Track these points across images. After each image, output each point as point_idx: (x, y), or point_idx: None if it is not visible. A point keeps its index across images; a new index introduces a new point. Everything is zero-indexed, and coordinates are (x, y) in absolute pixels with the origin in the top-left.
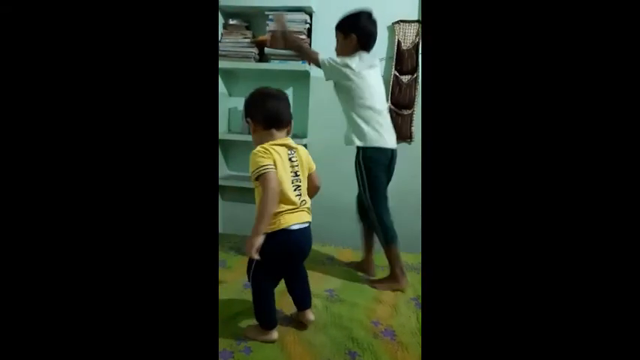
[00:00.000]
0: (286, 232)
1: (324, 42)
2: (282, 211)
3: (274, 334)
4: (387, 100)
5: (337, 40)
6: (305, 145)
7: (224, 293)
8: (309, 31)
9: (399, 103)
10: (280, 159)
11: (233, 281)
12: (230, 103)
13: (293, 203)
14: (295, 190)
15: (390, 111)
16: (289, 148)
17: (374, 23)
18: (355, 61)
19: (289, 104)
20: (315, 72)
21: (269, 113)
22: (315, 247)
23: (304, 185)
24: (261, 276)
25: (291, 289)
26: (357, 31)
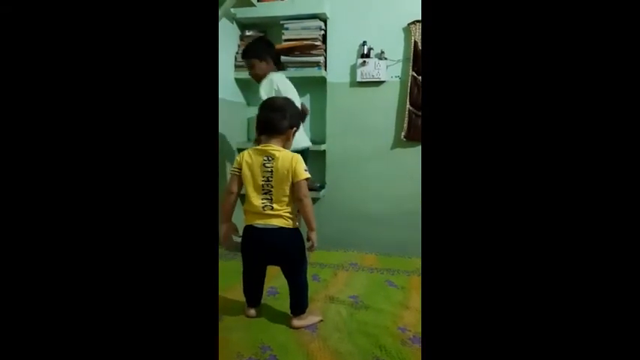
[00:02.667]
0: (249, 229)
1: (339, 47)
2: (246, 210)
3: (249, 311)
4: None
5: (253, 65)
6: (323, 152)
7: None
8: (324, 37)
9: (417, 103)
10: (250, 164)
11: None
12: (249, 112)
13: (254, 207)
14: (265, 194)
15: (409, 112)
16: (266, 154)
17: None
18: (266, 88)
19: (289, 115)
20: (332, 78)
21: (260, 121)
22: (338, 253)
23: (278, 192)
24: (243, 265)
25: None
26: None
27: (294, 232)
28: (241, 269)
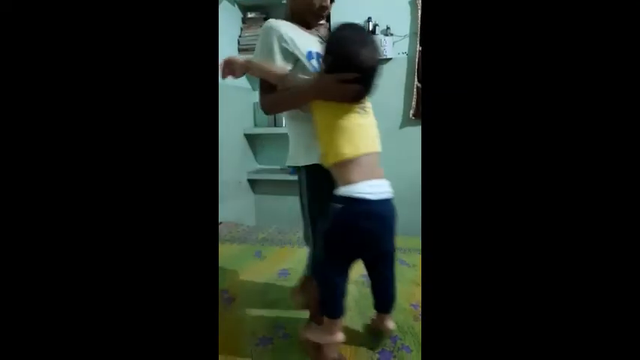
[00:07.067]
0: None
1: None
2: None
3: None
4: None
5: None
6: None
7: (260, 282)
8: (328, 15)
9: None
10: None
11: (268, 270)
12: (254, 97)
13: None
14: None
15: (418, 89)
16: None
17: None
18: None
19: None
20: None
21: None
22: None
23: None
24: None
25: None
26: None
27: None
28: (250, 251)
